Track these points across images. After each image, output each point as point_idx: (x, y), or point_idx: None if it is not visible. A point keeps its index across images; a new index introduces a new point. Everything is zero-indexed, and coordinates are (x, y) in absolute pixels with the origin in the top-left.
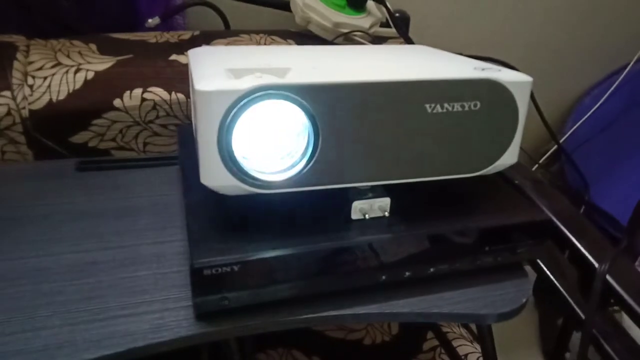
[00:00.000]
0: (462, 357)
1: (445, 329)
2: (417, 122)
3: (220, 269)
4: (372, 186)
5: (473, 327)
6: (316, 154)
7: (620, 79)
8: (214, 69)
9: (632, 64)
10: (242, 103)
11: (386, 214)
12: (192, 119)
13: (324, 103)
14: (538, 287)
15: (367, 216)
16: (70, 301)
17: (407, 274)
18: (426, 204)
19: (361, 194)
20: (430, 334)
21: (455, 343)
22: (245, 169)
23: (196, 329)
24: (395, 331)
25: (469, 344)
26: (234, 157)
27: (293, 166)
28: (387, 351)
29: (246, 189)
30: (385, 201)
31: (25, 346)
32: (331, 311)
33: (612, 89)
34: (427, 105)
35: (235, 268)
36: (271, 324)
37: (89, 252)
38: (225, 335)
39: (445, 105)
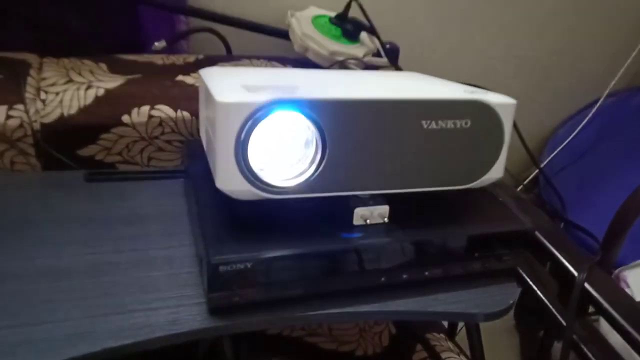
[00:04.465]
0: None
1: (433, 342)
2: (413, 136)
3: (234, 266)
4: (373, 195)
5: (460, 342)
6: (323, 163)
7: (591, 113)
8: (230, 85)
9: (602, 99)
10: (258, 114)
11: (385, 220)
12: (202, 133)
13: (332, 116)
14: (519, 307)
15: (368, 222)
16: (89, 297)
17: (405, 276)
18: (421, 212)
19: (362, 201)
20: (419, 347)
21: (443, 355)
22: (259, 175)
23: (209, 322)
24: (386, 343)
25: (456, 356)
26: (249, 164)
27: (302, 174)
28: None
29: (258, 194)
30: (385, 209)
31: (50, 335)
32: (334, 309)
33: (584, 122)
34: (423, 122)
35: (249, 265)
36: (278, 320)
37: (103, 254)
38: (236, 330)
39: (440, 122)
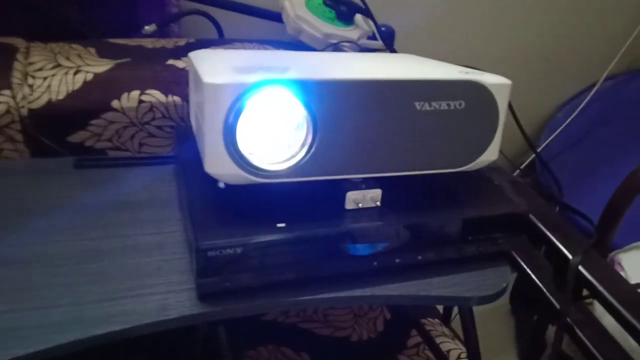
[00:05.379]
0: (445, 352)
1: (428, 327)
2: (406, 118)
3: (223, 251)
4: (365, 178)
5: (454, 326)
6: (314, 146)
7: (589, 96)
8: (219, 66)
9: (600, 83)
10: (247, 95)
11: (378, 204)
12: (192, 118)
13: (323, 97)
14: (514, 291)
15: (360, 206)
16: (78, 283)
17: (397, 260)
18: (415, 196)
19: (355, 185)
20: (413, 332)
21: (438, 340)
22: (248, 158)
23: (199, 309)
24: (381, 328)
25: (450, 341)
26: (238, 147)
27: (293, 157)
28: (373, 347)
29: (248, 178)
30: (377, 192)
31: (39, 322)
32: (326, 294)
33: (581, 106)
34: (417, 103)
35: (238, 250)
36: (269, 305)
37: (92, 240)
38: (226, 316)
39: (433, 103)
